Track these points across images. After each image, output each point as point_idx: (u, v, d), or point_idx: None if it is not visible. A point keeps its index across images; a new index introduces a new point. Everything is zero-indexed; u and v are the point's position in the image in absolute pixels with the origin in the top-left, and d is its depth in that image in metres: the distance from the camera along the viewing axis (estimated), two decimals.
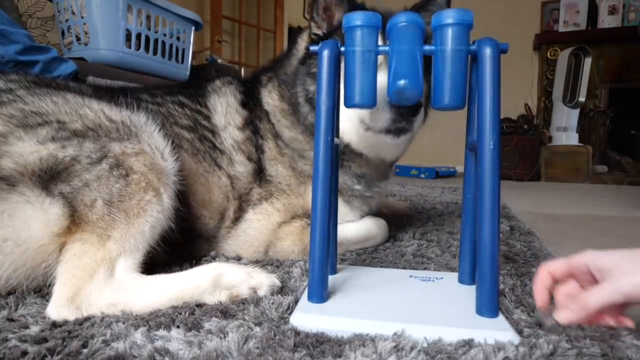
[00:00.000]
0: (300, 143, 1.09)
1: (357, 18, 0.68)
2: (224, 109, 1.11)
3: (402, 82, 0.66)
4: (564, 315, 0.62)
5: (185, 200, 0.90)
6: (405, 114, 0.91)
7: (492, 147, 0.63)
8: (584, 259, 0.64)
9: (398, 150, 1.12)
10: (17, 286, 0.73)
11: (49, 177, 0.70)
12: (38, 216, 0.69)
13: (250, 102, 1.14)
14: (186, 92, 1.13)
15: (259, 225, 1.03)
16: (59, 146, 0.73)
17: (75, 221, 0.71)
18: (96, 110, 0.82)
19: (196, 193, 0.97)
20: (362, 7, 1.02)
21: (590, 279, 0.64)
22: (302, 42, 1.14)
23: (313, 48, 0.72)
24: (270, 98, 1.14)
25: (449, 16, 0.65)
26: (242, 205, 1.05)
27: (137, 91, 1.10)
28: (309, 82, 1.05)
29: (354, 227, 1.11)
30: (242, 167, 1.06)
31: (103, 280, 0.69)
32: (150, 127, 0.86)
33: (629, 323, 0.61)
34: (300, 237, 1.03)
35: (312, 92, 1.04)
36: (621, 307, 0.62)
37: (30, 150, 0.71)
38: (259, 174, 1.07)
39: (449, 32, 0.65)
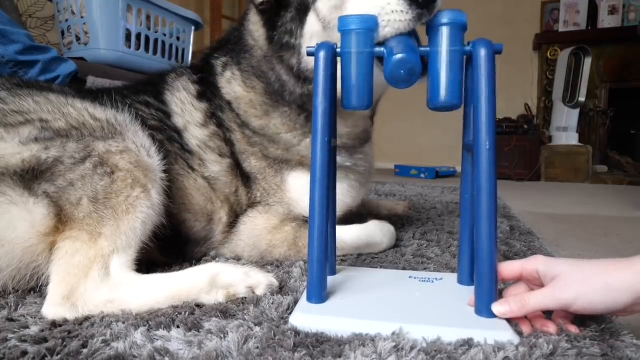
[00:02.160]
0: (273, 127, 1.02)
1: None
2: (179, 107, 1.03)
3: None
4: (502, 308, 0.62)
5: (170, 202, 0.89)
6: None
7: (488, 147, 0.63)
8: (535, 264, 0.65)
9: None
10: (4, 287, 0.73)
11: (31, 177, 0.70)
12: (23, 217, 0.69)
13: (208, 91, 1.06)
14: (149, 89, 1.07)
15: (245, 228, 1.01)
16: (42, 147, 0.72)
17: (62, 220, 0.71)
18: (80, 109, 0.81)
19: (174, 197, 0.94)
20: None
21: (539, 284, 0.65)
22: (254, 17, 1.03)
23: (310, 49, 0.72)
24: (231, 89, 1.05)
25: (443, 17, 0.66)
26: (234, 208, 1.02)
27: (114, 93, 1.05)
28: (287, 57, 0.96)
29: (354, 230, 1.06)
30: (216, 167, 1.00)
31: (99, 279, 0.69)
32: (135, 125, 0.86)
33: (573, 329, 0.61)
34: (294, 241, 1.00)
35: (295, 64, 0.96)
36: (570, 313, 0.63)
37: (12, 151, 0.71)
38: (238, 169, 1.02)
39: (444, 33, 0.66)
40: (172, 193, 0.92)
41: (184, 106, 1.04)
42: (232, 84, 1.06)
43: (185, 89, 1.06)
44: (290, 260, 1.00)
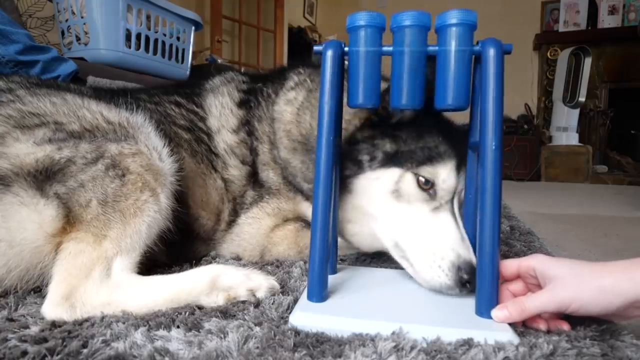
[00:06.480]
0: (292, 169, 1.01)
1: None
2: (218, 111, 1.06)
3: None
4: (501, 314, 0.62)
5: (184, 201, 0.90)
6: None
7: (494, 147, 0.63)
8: (532, 262, 0.65)
9: None
10: (11, 287, 0.73)
11: (44, 178, 0.70)
12: (33, 218, 0.69)
13: (252, 100, 1.07)
14: (182, 91, 1.10)
15: (250, 229, 1.01)
16: (55, 148, 0.73)
17: (70, 221, 0.71)
18: (94, 112, 0.82)
19: (195, 194, 0.97)
20: None
21: (535, 282, 0.66)
22: None
23: (317, 48, 0.71)
24: (283, 110, 1.02)
25: (452, 17, 0.65)
26: (236, 208, 1.04)
27: (136, 92, 1.09)
28: None
29: None
30: (236, 171, 1.04)
31: (99, 280, 0.69)
32: (148, 128, 0.86)
33: (566, 327, 0.62)
34: (294, 240, 1.00)
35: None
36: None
37: (26, 151, 0.71)
38: (253, 176, 1.04)
39: (453, 33, 0.65)
40: (194, 190, 0.95)
41: (223, 110, 1.06)
42: (288, 107, 1.03)
43: (229, 94, 1.08)
44: (289, 259, 0.99)
